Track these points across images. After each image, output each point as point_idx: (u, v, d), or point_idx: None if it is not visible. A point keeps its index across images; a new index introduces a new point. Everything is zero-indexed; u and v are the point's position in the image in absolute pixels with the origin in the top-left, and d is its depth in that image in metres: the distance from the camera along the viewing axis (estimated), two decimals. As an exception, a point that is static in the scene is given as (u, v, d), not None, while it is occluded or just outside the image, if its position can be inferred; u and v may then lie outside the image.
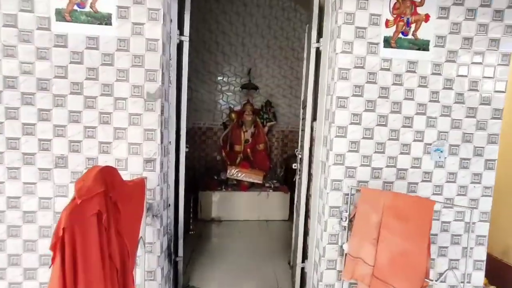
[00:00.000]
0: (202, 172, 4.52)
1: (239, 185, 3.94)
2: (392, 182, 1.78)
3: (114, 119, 1.62)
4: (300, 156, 2.23)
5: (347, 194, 1.74)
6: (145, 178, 1.55)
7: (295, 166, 2.55)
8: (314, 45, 1.97)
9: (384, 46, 1.69)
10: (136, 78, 1.61)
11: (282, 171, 4.26)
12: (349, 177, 1.76)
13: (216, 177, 3.99)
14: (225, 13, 4.47)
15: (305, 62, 2.54)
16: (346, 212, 1.73)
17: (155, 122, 1.64)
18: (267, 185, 4.01)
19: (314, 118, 2.05)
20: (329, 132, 1.76)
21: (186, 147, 2.27)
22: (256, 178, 3.94)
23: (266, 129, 4.24)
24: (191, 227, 3.43)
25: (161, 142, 1.69)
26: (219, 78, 4.55)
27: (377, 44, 1.69)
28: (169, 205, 1.89)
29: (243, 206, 3.84)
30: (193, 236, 3.31)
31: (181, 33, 1.93)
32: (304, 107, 2.29)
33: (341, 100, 1.71)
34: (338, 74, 1.70)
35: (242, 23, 4.52)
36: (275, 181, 4.08)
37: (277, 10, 4.56)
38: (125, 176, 1.58)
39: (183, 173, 2.03)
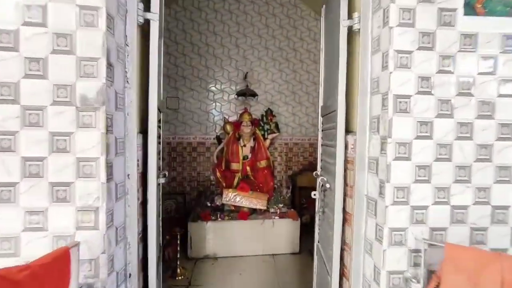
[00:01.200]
0: (193, 197, 3.81)
1: (238, 212, 3.24)
2: (485, 229, 1.12)
3: (22, 143, 0.94)
4: (326, 185, 1.56)
5: (416, 252, 1.07)
6: (75, 245, 0.87)
7: (314, 195, 1.87)
8: (344, 23, 1.34)
9: (465, 13, 1.07)
10: (61, 72, 0.95)
11: (289, 192, 3.58)
12: (416, 222, 1.10)
13: (209, 204, 3.28)
14: (216, 11, 3.89)
15: (321, 54, 1.91)
16: (418, 283, 1.05)
17: (95, 146, 0.97)
18: (272, 210, 3.31)
19: (347, 129, 1.40)
20: (383, 152, 1.11)
21: (163, 176, 1.60)
22: (259, 203, 3.25)
23: (268, 142, 3.58)
24: (178, 270, 2.70)
25: (109, 179, 1.01)
26: (211, 85, 3.92)
27: (453, 10, 1.07)
28: (130, 275, 1.19)
29: (243, 239, 3.12)
30: (179, 283, 2.57)
31: (147, 9, 1.28)
32: (328, 114, 1.64)
33: (401, 100, 1.07)
34: (394, 59, 1.06)
35: (235, 22, 3.94)
36: (281, 205, 3.39)
37: (274, 6, 4.00)
38: (41, 242, 0.89)
39: (154, 220, 1.34)
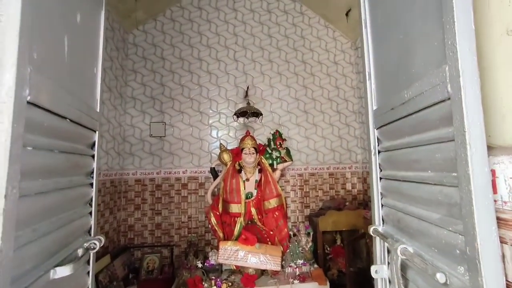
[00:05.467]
0: (183, 250, 2.89)
1: (241, 275, 2.30)
2: None
3: None
4: (418, 264, 0.70)
5: None
6: None
7: (376, 272, 1.00)
8: None
9: None
10: None
11: (310, 241, 2.65)
12: None
13: (200, 264, 2.36)
14: (209, 22, 3.34)
15: (364, 30, 1.17)
16: None
17: None
18: (288, 270, 2.36)
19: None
20: None
21: (95, 241, 0.76)
22: (270, 261, 2.32)
23: (278, 174, 2.74)
24: None
25: None
26: (204, 106, 3.22)
27: None
28: None
29: (250, 317, 2.15)
30: None
31: None
32: (402, 119, 0.84)
33: None
34: None
35: (232, 33, 3.36)
36: (300, 262, 2.44)
37: (277, 15, 3.45)
38: None
39: None
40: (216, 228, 2.53)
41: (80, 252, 0.81)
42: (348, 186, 3.34)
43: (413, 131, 0.82)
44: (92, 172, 1.00)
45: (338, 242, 2.94)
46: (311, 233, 2.69)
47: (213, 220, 2.55)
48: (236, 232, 2.49)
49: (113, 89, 2.78)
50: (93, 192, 0.99)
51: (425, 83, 0.73)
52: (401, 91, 0.86)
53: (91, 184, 1.00)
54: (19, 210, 0.56)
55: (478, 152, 0.55)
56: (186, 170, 3.08)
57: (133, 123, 3.07)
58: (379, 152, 1.09)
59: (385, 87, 1.05)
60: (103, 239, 0.95)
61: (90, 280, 0.96)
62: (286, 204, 2.79)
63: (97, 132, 1.03)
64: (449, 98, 0.62)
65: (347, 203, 3.19)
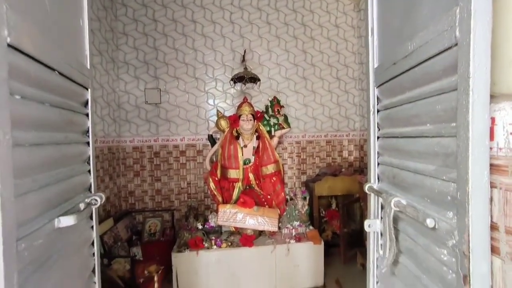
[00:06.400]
0: (183, 214, 2.99)
1: (240, 236, 2.41)
2: None
3: None
4: (406, 211, 0.72)
5: None
6: None
7: (369, 226, 1.04)
8: None
9: None
10: None
11: (306, 205, 2.75)
12: None
13: (201, 226, 2.46)
14: (203, -21, 3.10)
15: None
16: None
17: None
18: (285, 231, 2.48)
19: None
20: None
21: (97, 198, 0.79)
22: (267, 223, 2.42)
23: (275, 141, 2.75)
24: (157, 327, 1.88)
25: None
26: (200, 71, 3.12)
27: None
28: None
29: (249, 272, 2.30)
30: None
31: None
32: (403, 73, 0.81)
33: None
34: None
35: (228, -8, 3.14)
36: (297, 223, 2.55)
37: (276, -29, 3.20)
38: None
39: None
40: (215, 193, 2.60)
41: (82, 206, 0.83)
42: (345, 154, 3.39)
43: (414, 85, 0.80)
44: (88, 131, 0.99)
45: (333, 206, 3.05)
46: (307, 197, 2.78)
47: (212, 185, 2.61)
48: (234, 196, 2.56)
49: (104, 53, 2.66)
50: (90, 151, 0.99)
51: (431, 31, 0.69)
52: (404, 43, 0.83)
53: (88, 143, 0.99)
54: (15, 159, 0.55)
55: (480, 99, 0.54)
56: (184, 138, 3.08)
57: (127, 89, 2.99)
58: (378, 111, 1.08)
59: (388, 43, 1.00)
60: (104, 196, 0.96)
61: (94, 234, 1.00)
62: (284, 170, 2.84)
63: (89, 90, 0.99)
64: (456, 44, 0.59)
65: (343, 170, 3.25)
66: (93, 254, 1.01)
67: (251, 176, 2.63)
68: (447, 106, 0.64)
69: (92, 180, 0.99)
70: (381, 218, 1.06)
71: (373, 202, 1.08)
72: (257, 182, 2.64)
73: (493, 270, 0.57)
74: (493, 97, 0.57)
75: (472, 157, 0.54)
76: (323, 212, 3.03)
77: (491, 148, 0.57)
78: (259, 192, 2.63)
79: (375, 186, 1.07)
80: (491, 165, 0.56)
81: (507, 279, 0.56)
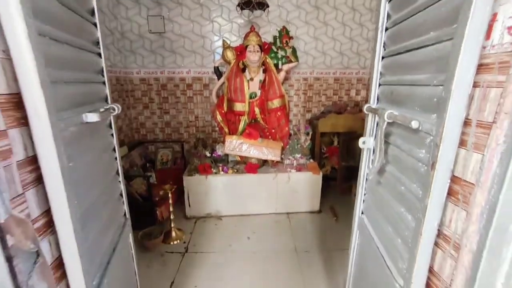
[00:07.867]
0: (192, 146, 3.18)
1: (245, 165, 2.61)
2: None
3: None
4: (398, 120, 0.79)
5: None
6: None
7: (363, 143, 1.13)
8: None
9: None
10: None
11: (308, 139, 2.87)
12: None
13: (209, 154, 2.64)
14: None
15: None
16: None
17: None
18: (287, 162, 2.66)
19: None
20: None
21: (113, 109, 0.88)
22: (271, 153, 2.58)
23: (282, 75, 2.72)
24: (173, 233, 2.21)
25: None
26: (205, -2, 2.90)
27: None
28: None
29: (252, 195, 2.56)
30: (174, 248, 2.10)
31: None
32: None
33: None
34: None
35: None
36: (298, 156, 2.72)
37: None
38: None
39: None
40: (222, 125, 2.72)
41: (101, 110, 0.92)
42: (352, 93, 3.35)
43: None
44: (98, 42, 1.02)
45: (335, 143, 3.17)
46: (310, 133, 2.89)
47: (218, 117, 2.70)
48: (240, 128, 2.67)
49: (101, -28, 2.46)
50: (103, 63, 1.04)
51: None
52: None
53: (99, 55, 1.03)
54: (43, 48, 0.61)
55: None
56: (190, 70, 3.06)
57: (129, 16, 2.86)
58: (386, 29, 1.06)
59: None
60: (120, 107, 1.05)
61: (114, 141, 1.12)
62: (289, 107, 2.88)
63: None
64: None
65: (348, 108, 3.27)
66: (115, 158, 1.15)
67: (256, 110, 2.69)
68: (452, 6, 0.64)
69: (107, 91, 1.06)
70: (375, 136, 1.15)
71: (370, 121, 1.15)
72: (262, 116, 2.72)
73: (457, 159, 0.66)
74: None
75: (463, 54, 0.57)
76: (324, 149, 3.17)
77: (484, 48, 0.59)
78: (264, 125, 2.73)
79: (373, 106, 1.13)
80: (480, 64, 0.60)
81: (466, 165, 0.65)
